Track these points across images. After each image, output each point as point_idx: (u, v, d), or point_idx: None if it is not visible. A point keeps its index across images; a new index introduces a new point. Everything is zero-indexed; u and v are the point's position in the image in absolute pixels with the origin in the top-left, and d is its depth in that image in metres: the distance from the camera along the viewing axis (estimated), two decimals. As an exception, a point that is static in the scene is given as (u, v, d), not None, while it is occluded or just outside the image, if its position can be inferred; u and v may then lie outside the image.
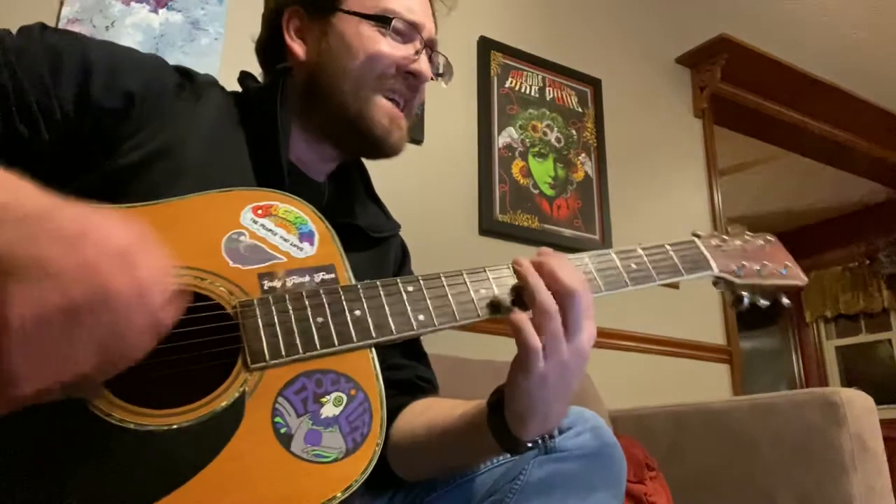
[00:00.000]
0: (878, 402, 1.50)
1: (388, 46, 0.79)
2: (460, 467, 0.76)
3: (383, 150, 0.82)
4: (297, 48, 0.82)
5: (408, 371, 0.87)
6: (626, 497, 0.73)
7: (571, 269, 0.63)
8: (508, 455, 0.71)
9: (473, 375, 1.45)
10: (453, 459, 0.75)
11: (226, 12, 1.80)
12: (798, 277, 0.83)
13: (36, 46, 0.64)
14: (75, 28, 1.59)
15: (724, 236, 0.83)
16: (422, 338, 0.91)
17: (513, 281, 0.65)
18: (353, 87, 0.79)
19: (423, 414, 0.78)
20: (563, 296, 0.61)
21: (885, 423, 1.50)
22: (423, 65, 0.81)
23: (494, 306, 0.64)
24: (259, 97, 0.80)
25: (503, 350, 1.83)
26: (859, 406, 1.41)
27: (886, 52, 3.28)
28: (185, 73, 0.76)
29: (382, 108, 0.80)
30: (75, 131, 0.63)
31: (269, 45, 0.86)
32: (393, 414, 0.79)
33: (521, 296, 0.63)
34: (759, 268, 0.81)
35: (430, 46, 0.84)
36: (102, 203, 0.56)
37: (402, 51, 0.80)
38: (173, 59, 1.69)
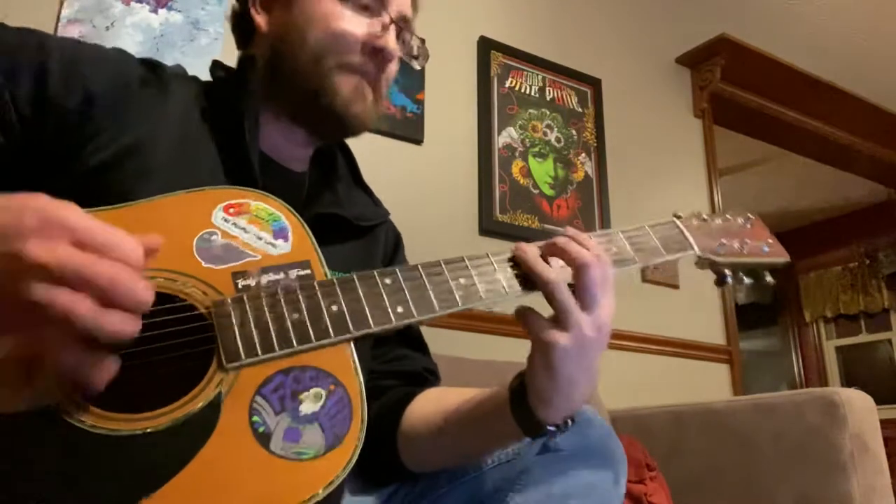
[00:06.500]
0: (878, 402, 1.50)
1: (351, 22, 0.76)
2: (476, 455, 0.74)
3: (346, 123, 0.78)
4: (261, 20, 0.80)
5: (415, 362, 0.86)
6: (626, 497, 0.72)
7: (585, 242, 0.63)
8: (528, 439, 0.68)
9: (473, 375, 1.45)
10: (470, 447, 0.73)
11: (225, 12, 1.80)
12: (781, 254, 0.82)
13: None
14: (75, 28, 1.59)
15: (705, 216, 0.82)
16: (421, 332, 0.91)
17: (494, 270, 0.65)
18: (314, 60, 0.75)
19: (439, 401, 0.76)
20: (575, 267, 0.61)
21: (885, 423, 1.50)
22: (389, 41, 0.77)
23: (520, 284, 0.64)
24: (225, 88, 0.77)
25: (503, 350, 1.84)
26: (859, 406, 1.41)
27: (886, 53, 3.28)
28: (150, 66, 0.73)
29: (344, 80, 0.76)
30: (36, 133, 0.61)
31: (239, 20, 0.84)
32: (401, 403, 0.78)
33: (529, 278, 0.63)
34: (739, 245, 0.80)
35: (400, 23, 0.79)
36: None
37: (366, 27, 0.77)
38: (173, 59, 1.70)
